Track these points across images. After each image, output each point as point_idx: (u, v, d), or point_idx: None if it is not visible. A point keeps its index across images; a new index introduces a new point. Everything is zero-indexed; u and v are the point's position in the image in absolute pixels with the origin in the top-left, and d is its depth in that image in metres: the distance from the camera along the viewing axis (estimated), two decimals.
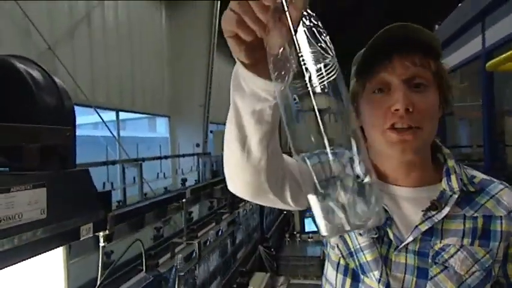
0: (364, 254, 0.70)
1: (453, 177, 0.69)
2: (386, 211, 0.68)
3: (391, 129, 0.64)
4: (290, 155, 0.50)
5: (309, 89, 0.38)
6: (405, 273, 0.66)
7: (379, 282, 0.67)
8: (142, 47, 6.78)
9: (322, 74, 0.38)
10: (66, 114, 0.84)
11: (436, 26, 5.40)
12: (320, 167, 0.42)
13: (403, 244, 0.67)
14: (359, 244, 0.71)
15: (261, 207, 3.35)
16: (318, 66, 0.38)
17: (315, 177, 0.41)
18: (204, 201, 3.57)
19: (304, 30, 0.39)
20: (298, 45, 0.38)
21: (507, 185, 0.72)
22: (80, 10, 5.17)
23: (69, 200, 0.81)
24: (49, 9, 4.59)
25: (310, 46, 0.38)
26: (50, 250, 0.76)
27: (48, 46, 4.36)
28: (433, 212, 0.67)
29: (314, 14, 0.40)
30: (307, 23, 0.39)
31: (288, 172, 0.64)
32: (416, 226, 0.66)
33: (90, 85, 5.29)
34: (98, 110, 5.17)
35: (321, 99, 0.39)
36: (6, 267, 0.66)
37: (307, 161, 0.44)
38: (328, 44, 0.40)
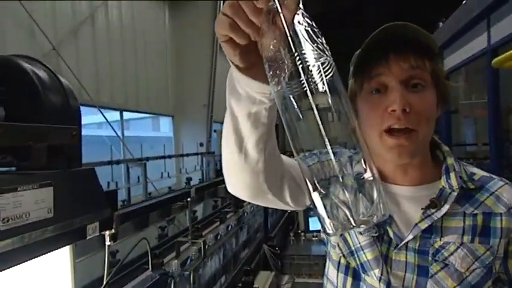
0: (364, 252, 0.70)
1: (452, 174, 0.69)
2: None
3: (387, 133, 0.64)
4: (290, 155, 0.51)
5: (306, 88, 0.38)
6: (406, 272, 0.66)
7: (379, 280, 0.67)
8: (146, 47, 6.79)
9: (319, 73, 0.38)
10: (72, 113, 0.84)
11: (440, 24, 5.37)
12: (320, 166, 0.42)
13: (403, 242, 0.67)
14: (359, 243, 0.71)
15: (265, 206, 3.35)
16: (314, 65, 0.38)
17: (316, 176, 0.42)
18: (209, 200, 3.57)
19: (298, 31, 0.39)
20: (294, 46, 0.38)
21: (507, 181, 0.72)
22: (84, 10, 5.19)
23: (76, 199, 0.81)
24: (53, 9, 4.61)
25: (304, 46, 0.38)
26: (57, 249, 0.76)
27: (52, 47, 4.38)
28: (433, 210, 0.67)
29: (307, 15, 0.40)
30: (301, 23, 0.39)
31: (286, 172, 0.64)
32: (416, 224, 0.66)
33: (95, 85, 5.31)
34: (102, 110, 5.19)
35: (319, 98, 0.39)
36: (14, 266, 0.66)
37: (308, 160, 0.44)
38: (323, 43, 0.40)
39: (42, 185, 0.70)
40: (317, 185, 0.41)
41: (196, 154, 7.07)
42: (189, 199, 1.92)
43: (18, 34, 4.07)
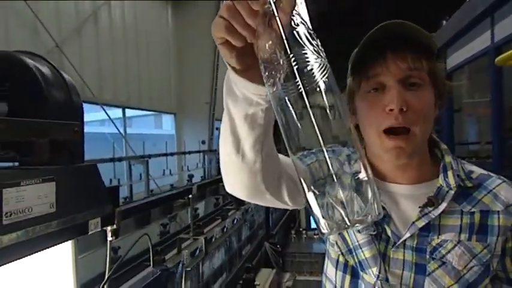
0: (362, 250, 0.70)
1: (450, 173, 0.69)
2: (384, 208, 0.68)
3: (385, 133, 0.64)
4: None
5: (301, 90, 0.38)
6: (403, 270, 0.67)
7: (377, 278, 0.68)
8: (148, 45, 6.80)
9: (313, 74, 0.39)
10: (74, 109, 0.85)
11: (444, 22, 5.34)
12: (317, 165, 0.42)
13: (401, 240, 0.67)
14: (358, 241, 0.71)
15: None
16: (309, 67, 0.39)
17: (311, 176, 0.42)
18: (210, 197, 3.58)
19: (294, 33, 0.40)
20: (289, 48, 0.39)
21: (505, 179, 0.71)
22: (87, 9, 5.20)
23: (78, 194, 0.82)
24: (56, 7, 4.62)
25: (299, 48, 0.39)
26: (60, 244, 0.77)
27: (56, 44, 4.39)
28: (430, 208, 0.67)
29: (303, 18, 0.41)
30: (297, 25, 0.40)
31: (284, 172, 0.64)
32: (413, 222, 0.67)
33: (97, 83, 5.33)
34: (105, 107, 5.20)
35: (314, 98, 0.39)
36: (16, 260, 0.67)
37: (306, 159, 0.44)
38: (318, 45, 0.40)
39: (44, 180, 0.71)
40: (311, 185, 0.42)
41: (198, 152, 7.08)
42: (190, 196, 1.93)
43: (22, 32, 4.09)
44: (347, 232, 0.72)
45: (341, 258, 0.74)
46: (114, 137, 5.54)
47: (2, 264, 0.64)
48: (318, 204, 0.41)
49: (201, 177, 6.31)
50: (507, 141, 3.42)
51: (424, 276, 0.65)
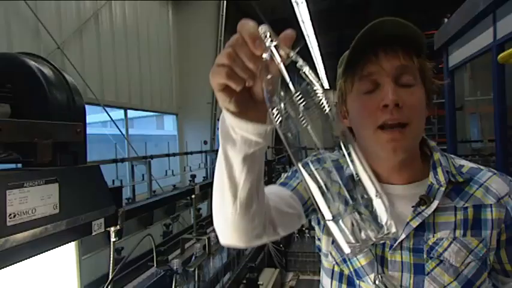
0: (357, 258, 0.70)
1: (439, 170, 0.69)
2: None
3: (381, 129, 0.64)
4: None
5: (307, 124, 0.41)
6: (402, 271, 0.67)
7: (374, 283, 0.67)
8: (149, 46, 6.80)
9: (320, 104, 0.41)
10: (76, 110, 0.85)
11: (445, 20, 5.32)
12: (324, 175, 0.45)
13: (397, 242, 0.67)
14: None
15: None
16: (315, 99, 0.41)
17: (330, 200, 0.43)
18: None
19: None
20: (292, 84, 0.41)
21: (495, 171, 0.72)
22: (88, 10, 5.21)
23: (81, 195, 0.82)
24: (58, 9, 4.63)
25: (300, 85, 0.41)
26: (63, 244, 0.77)
27: (57, 46, 4.41)
28: (423, 207, 0.67)
29: (298, 56, 0.42)
30: (296, 62, 0.42)
31: (271, 207, 0.62)
32: (408, 223, 0.67)
33: (99, 84, 5.34)
34: (107, 109, 5.21)
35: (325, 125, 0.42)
36: (20, 261, 0.67)
37: (312, 167, 0.46)
38: (311, 74, 0.42)
39: (47, 181, 0.71)
40: (333, 212, 0.42)
41: (201, 152, 7.08)
42: (193, 196, 1.93)
43: (23, 34, 4.10)
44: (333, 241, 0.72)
45: (336, 268, 0.74)
46: (116, 138, 5.55)
47: (7, 266, 0.64)
48: (337, 228, 0.42)
49: (203, 177, 6.32)
50: (510, 139, 3.41)
51: (424, 276, 0.65)
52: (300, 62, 0.41)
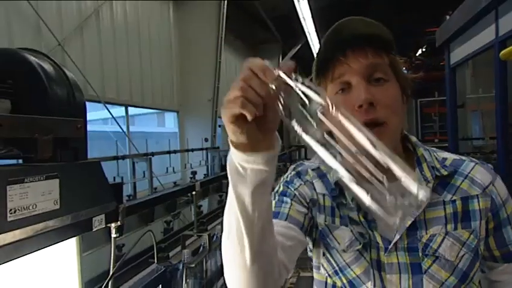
0: (352, 269, 0.69)
1: (424, 165, 0.69)
2: (368, 213, 0.68)
3: None
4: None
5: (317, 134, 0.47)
6: (400, 273, 0.66)
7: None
8: (150, 43, 6.79)
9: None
10: (77, 106, 0.85)
11: (447, 17, 5.29)
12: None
13: (392, 243, 0.66)
14: (344, 260, 0.70)
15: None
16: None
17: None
18: (214, 195, 3.59)
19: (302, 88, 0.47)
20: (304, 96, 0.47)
21: (477, 161, 0.72)
22: (89, 7, 5.20)
23: (82, 191, 0.82)
24: (58, 6, 4.63)
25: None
26: (64, 240, 0.77)
27: (58, 43, 4.40)
28: None
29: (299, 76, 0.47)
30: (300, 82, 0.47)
31: (278, 251, 0.62)
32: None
33: (100, 81, 5.33)
34: (108, 106, 5.21)
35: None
36: (21, 256, 0.67)
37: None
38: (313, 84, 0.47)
39: (48, 176, 0.71)
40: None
41: (201, 149, 7.09)
42: (194, 192, 1.93)
43: (24, 30, 4.10)
44: (330, 253, 0.72)
45: (329, 280, 0.73)
46: (117, 136, 5.55)
47: (7, 261, 0.64)
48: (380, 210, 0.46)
49: (204, 174, 6.32)
50: None
51: (421, 275, 0.65)
52: (303, 80, 0.47)
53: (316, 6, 8.49)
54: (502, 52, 2.63)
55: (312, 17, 8.98)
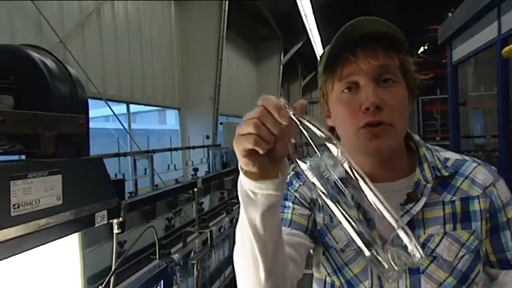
0: (349, 268, 0.70)
1: (425, 165, 0.69)
2: (367, 212, 0.69)
3: (363, 127, 0.63)
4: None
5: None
6: None
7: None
8: (152, 40, 6.78)
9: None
10: (79, 102, 0.85)
11: (449, 14, 5.27)
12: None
13: (388, 242, 0.66)
14: (342, 260, 0.70)
15: None
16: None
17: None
18: (215, 192, 3.59)
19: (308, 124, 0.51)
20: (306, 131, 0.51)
21: (480, 162, 0.71)
22: (90, 4, 5.19)
23: (84, 187, 0.82)
24: (60, 3, 4.63)
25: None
26: (67, 235, 0.78)
27: (60, 40, 4.40)
28: (410, 205, 0.66)
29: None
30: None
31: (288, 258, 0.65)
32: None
33: (101, 78, 5.33)
34: (109, 103, 5.22)
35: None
36: (24, 251, 0.68)
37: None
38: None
39: (51, 172, 0.72)
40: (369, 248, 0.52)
41: (203, 147, 7.09)
42: (195, 189, 1.93)
43: (26, 28, 4.10)
44: (328, 252, 0.73)
45: (328, 279, 0.74)
46: (119, 133, 5.56)
47: (10, 256, 0.65)
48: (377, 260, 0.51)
49: (206, 172, 6.33)
50: None
51: (419, 275, 0.65)
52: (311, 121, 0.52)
53: (317, 4, 8.46)
54: (504, 49, 2.62)
55: (314, 14, 8.96)
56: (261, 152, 0.48)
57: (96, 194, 0.86)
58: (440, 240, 0.65)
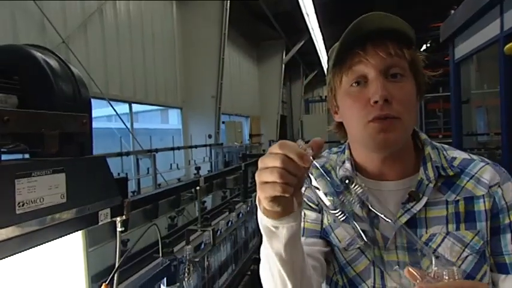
0: (352, 267, 0.70)
1: (429, 165, 0.69)
2: (371, 209, 0.70)
3: (372, 121, 0.64)
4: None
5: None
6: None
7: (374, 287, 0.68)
8: (154, 40, 6.80)
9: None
10: (82, 101, 0.86)
11: (452, 11, 5.25)
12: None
13: (390, 240, 0.66)
14: (345, 259, 0.71)
15: None
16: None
17: None
18: (217, 191, 3.60)
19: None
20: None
21: (488, 161, 0.71)
22: (92, 4, 5.21)
23: (88, 185, 0.83)
24: (62, 3, 4.64)
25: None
26: (71, 233, 0.78)
27: (62, 40, 4.42)
28: (412, 204, 0.67)
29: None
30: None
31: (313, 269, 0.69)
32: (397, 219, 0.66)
33: (104, 78, 5.35)
34: (112, 103, 5.24)
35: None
36: (29, 249, 0.69)
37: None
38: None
39: (55, 171, 0.72)
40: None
41: (205, 146, 7.10)
42: (198, 188, 1.94)
43: (29, 28, 4.12)
44: (333, 252, 0.74)
45: (334, 278, 0.74)
46: (122, 132, 5.58)
47: (15, 253, 0.66)
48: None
49: (208, 171, 6.34)
50: None
51: None
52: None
53: (319, 2, 8.44)
54: (507, 46, 2.61)
55: (315, 12, 8.93)
56: (287, 196, 0.50)
57: (99, 193, 0.86)
58: (442, 240, 0.65)
